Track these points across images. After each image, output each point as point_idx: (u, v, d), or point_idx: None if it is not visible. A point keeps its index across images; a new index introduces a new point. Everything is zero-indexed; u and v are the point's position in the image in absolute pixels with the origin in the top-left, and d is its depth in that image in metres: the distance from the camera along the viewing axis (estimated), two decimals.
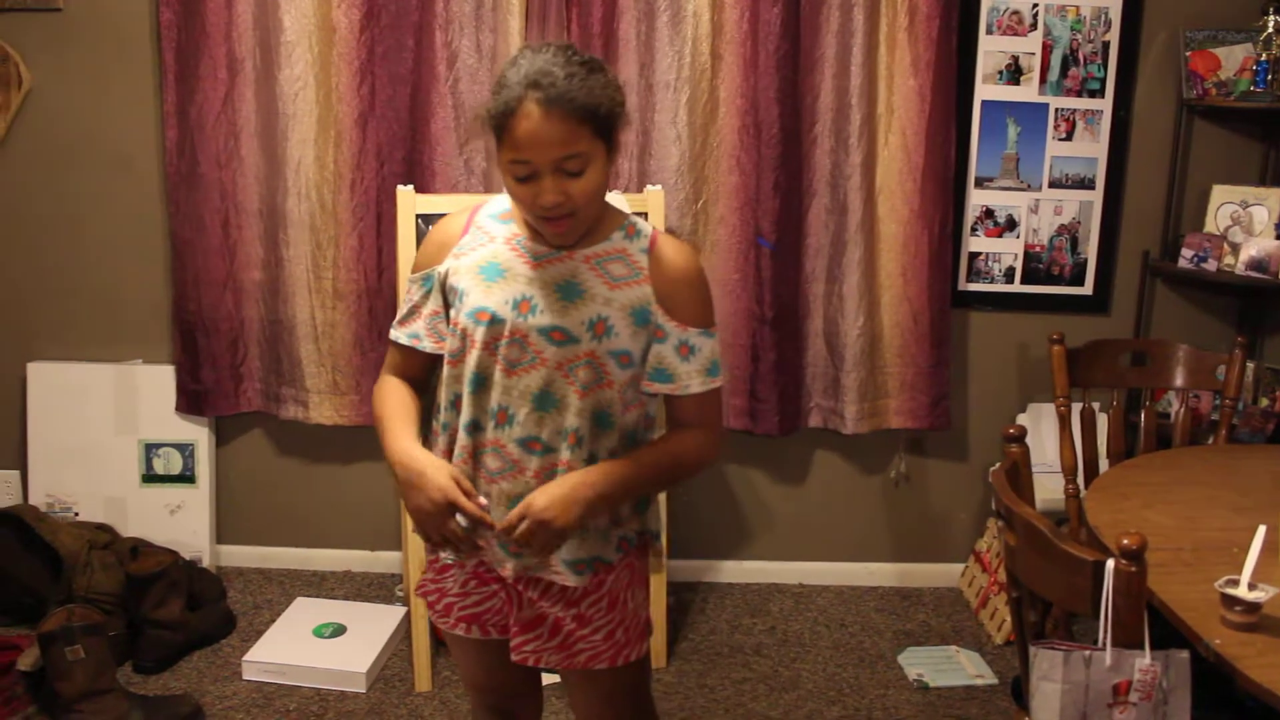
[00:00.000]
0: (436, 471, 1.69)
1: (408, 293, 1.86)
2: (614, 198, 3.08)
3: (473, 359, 1.74)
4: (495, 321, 1.72)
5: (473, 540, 1.74)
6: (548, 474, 1.73)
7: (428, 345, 1.83)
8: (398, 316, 1.88)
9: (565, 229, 1.70)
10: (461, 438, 1.76)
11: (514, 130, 1.62)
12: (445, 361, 1.80)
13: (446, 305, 1.81)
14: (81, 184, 3.48)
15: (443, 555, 1.86)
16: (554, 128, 1.60)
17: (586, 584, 1.80)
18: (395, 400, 1.84)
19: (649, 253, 1.77)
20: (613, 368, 1.73)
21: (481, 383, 1.74)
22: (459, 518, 1.70)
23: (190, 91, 3.31)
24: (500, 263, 1.76)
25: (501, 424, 1.74)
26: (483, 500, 1.71)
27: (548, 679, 2.22)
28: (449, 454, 1.79)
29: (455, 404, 1.79)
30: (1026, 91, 3.46)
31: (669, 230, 3.16)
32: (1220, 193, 3.43)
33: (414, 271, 1.86)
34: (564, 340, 1.71)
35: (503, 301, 1.73)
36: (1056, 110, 3.48)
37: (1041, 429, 3.54)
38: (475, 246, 1.80)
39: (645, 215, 3.13)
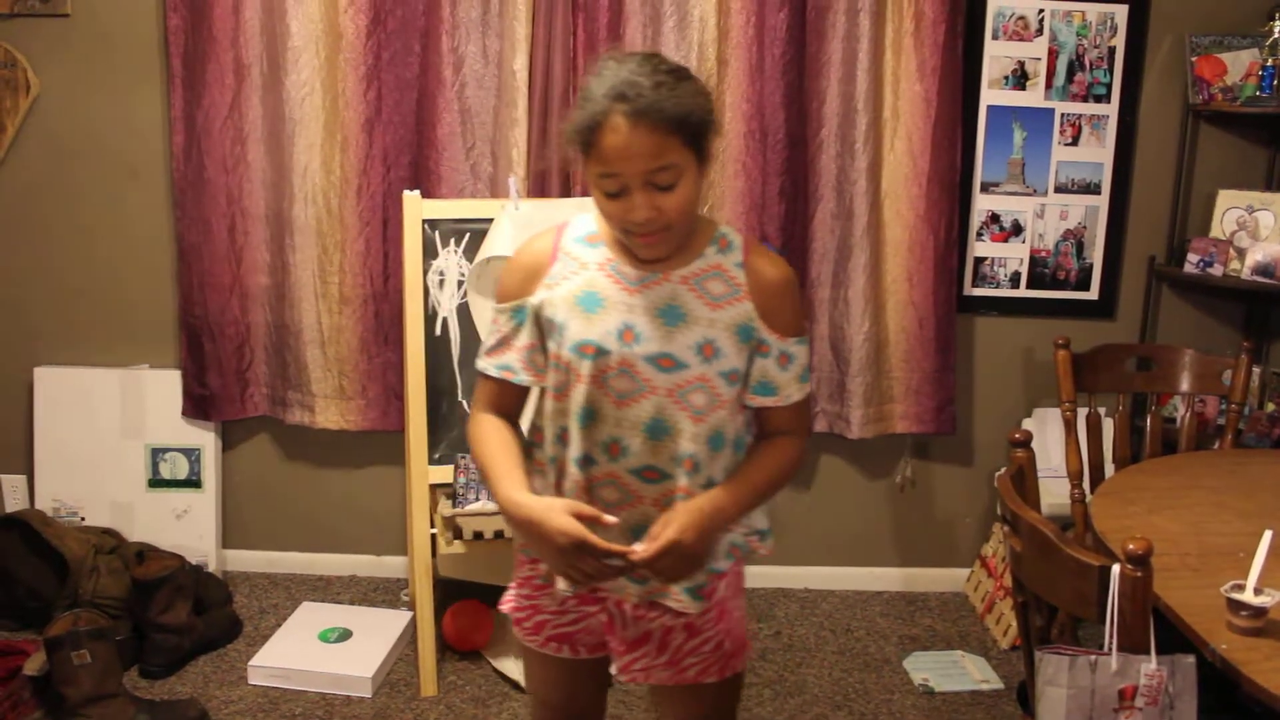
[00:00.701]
0: (555, 515, 1.60)
1: (494, 322, 1.79)
2: None
3: (580, 393, 1.68)
4: (601, 354, 1.66)
5: (615, 568, 1.64)
6: (666, 500, 1.69)
7: (523, 378, 1.76)
8: (485, 347, 1.80)
9: (657, 243, 1.64)
10: (573, 472, 1.71)
11: (601, 144, 1.56)
12: (549, 395, 1.74)
13: (542, 337, 1.75)
14: (88, 189, 3.49)
15: (559, 588, 1.77)
16: (643, 140, 1.54)
17: (706, 606, 1.77)
18: (496, 443, 1.76)
19: (744, 266, 1.72)
20: (723, 388, 1.69)
21: (591, 416, 1.69)
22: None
23: (197, 97, 3.32)
24: (598, 291, 1.70)
25: (615, 456, 1.69)
26: (610, 519, 1.63)
27: None
28: (558, 487, 1.75)
29: (562, 437, 1.73)
30: (1032, 96, 3.47)
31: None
32: (1226, 197, 3.43)
33: (501, 301, 1.78)
34: (673, 367, 1.66)
35: (606, 333, 1.67)
36: (1062, 115, 3.48)
37: (1047, 434, 3.54)
38: (568, 275, 1.72)
39: None
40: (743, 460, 1.78)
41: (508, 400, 1.81)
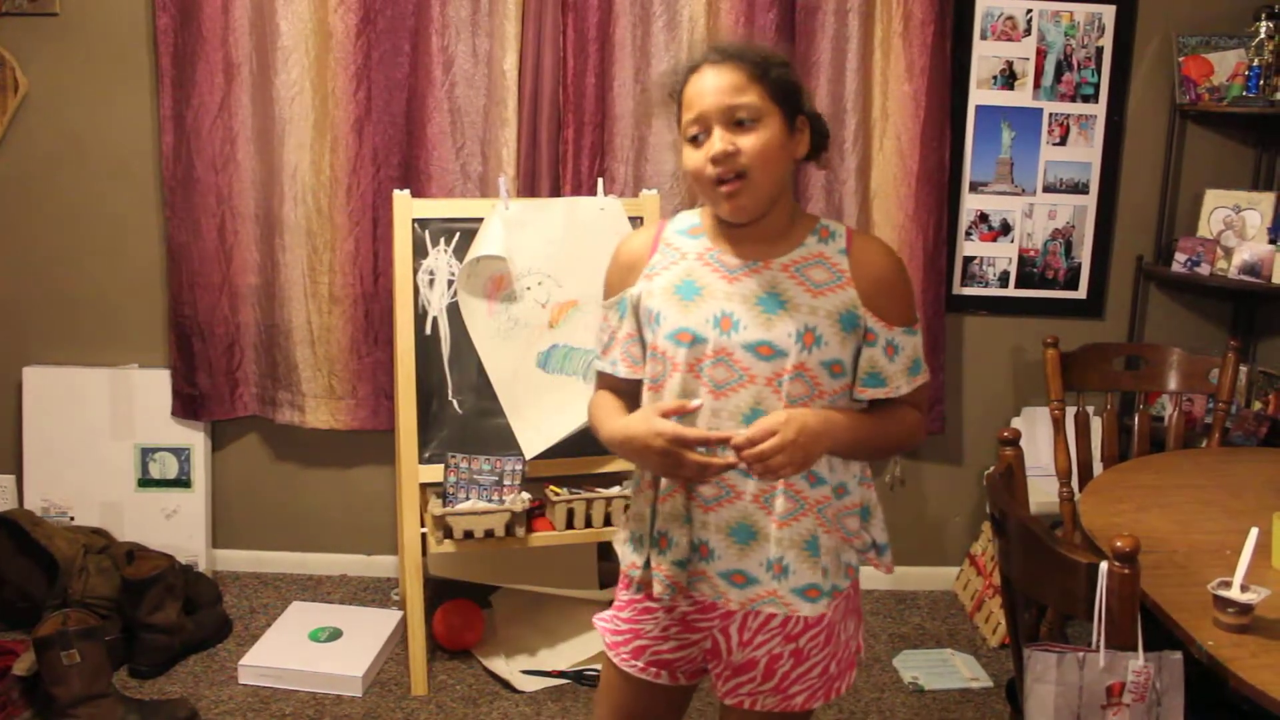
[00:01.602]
0: (644, 422, 1.63)
1: (604, 320, 1.81)
2: (610, 202, 3.11)
3: (675, 382, 1.67)
4: (697, 342, 1.65)
5: (719, 464, 1.62)
6: (766, 497, 1.65)
7: (621, 370, 1.77)
8: (600, 346, 1.83)
9: (737, 190, 1.62)
10: None
11: (687, 89, 1.65)
12: (646, 387, 1.73)
13: (640, 328, 1.76)
14: (77, 189, 3.48)
15: (657, 592, 1.74)
16: (724, 77, 1.62)
17: (824, 611, 1.71)
18: (603, 405, 1.80)
19: (847, 253, 1.69)
20: (824, 379, 1.65)
21: None
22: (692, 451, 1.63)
23: (186, 96, 3.31)
24: (695, 280, 1.69)
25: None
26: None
27: None
28: (654, 485, 1.73)
29: None
30: (1021, 96, 3.48)
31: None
32: (1213, 197, 3.44)
33: (606, 298, 1.81)
34: (771, 355, 1.63)
35: (703, 320, 1.66)
36: (1050, 115, 3.49)
37: (1036, 433, 3.55)
38: (667, 265, 1.73)
39: (641, 220, 3.14)
40: (858, 482, 1.75)
41: (622, 392, 1.82)
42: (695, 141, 1.65)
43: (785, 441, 1.56)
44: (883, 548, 1.81)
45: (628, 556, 1.82)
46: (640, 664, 1.83)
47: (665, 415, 1.62)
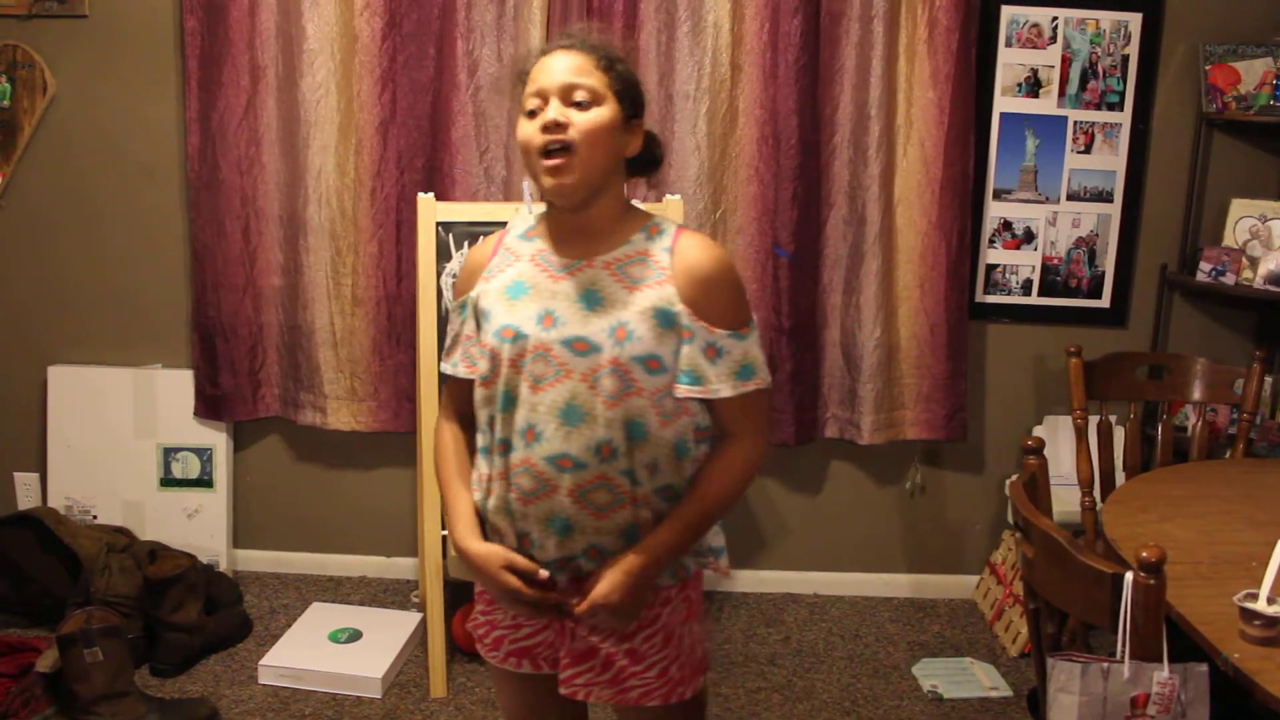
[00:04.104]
0: (492, 569, 1.71)
1: (451, 324, 1.85)
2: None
3: (500, 378, 1.70)
4: (519, 337, 1.69)
5: (558, 604, 1.72)
6: (581, 492, 1.66)
7: (461, 370, 1.81)
8: (446, 349, 1.86)
9: (561, 166, 1.65)
10: (496, 460, 1.72)
11: (536, 68, 1.70)
12: (478, 384, 1.75)
13: (479, 329, 1.79)
14: (104, 189, 3.51)
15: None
16: (567, 58, 1.68)
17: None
18: (451, 460, 1.85)
19: (671, 251, 1.70)
20: (640, 374, 1.65)
21: (510, 401, 1.69)
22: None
23: (213, 98, 3.34)
24: (525, 280, 1.74)
25: (530, 442, 1.67)
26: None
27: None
28: (489, 478, 1.75)
29: (491, 425, 1.74)
30: (1045, 104, 3.47)
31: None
32: (1239, 206, 3.42)
33: (454, 300, 1.86)
34: (586, 350, 1.65)
35: (526, 317, 1.70)
36: (1075, 123, 3.48)
37: (1058, 441, 3.53)
38: (504, 268, 1.78)
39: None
40: (688, 485, 1.74)
41: (464, 396, 1.84)
42: (532, 115, 1.68)
43: (611, 609, 1.66)
44: (719, 551, 1.83)
45: None
46: (500, 655, 1.86)
47: (511, 567, 1.69)
